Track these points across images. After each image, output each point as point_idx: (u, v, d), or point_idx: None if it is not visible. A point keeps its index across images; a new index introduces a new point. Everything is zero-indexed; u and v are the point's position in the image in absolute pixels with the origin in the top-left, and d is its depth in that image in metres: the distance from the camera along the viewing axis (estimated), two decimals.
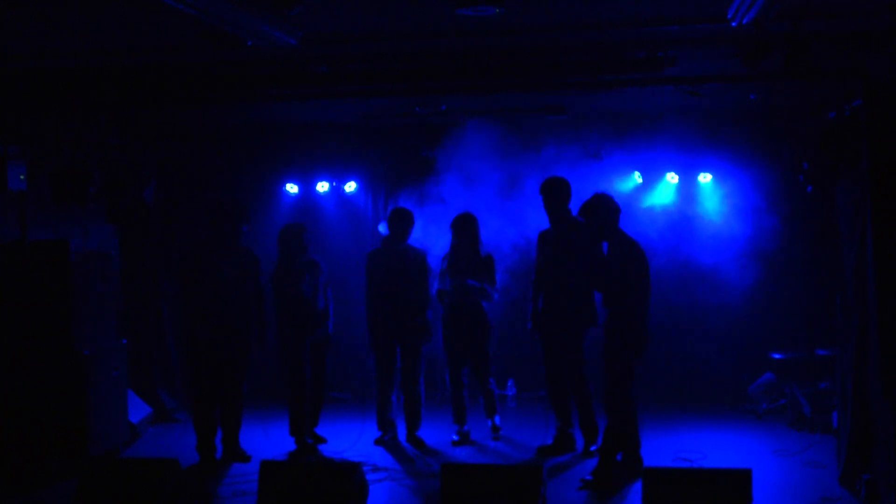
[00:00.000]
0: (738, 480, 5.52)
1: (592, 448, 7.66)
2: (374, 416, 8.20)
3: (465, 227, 7.87)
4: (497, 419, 8.16)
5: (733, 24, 5.26)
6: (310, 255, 8.00)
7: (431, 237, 8.93)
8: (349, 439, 8.19)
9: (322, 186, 10.21)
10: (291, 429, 7.95)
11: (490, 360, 8.07)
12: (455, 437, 8.05)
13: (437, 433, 8.28)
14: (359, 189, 10.19)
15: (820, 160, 7.27)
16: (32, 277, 7.48)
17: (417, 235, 8.77)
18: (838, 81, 6.58)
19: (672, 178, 9.42)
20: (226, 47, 5.64)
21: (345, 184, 10.17)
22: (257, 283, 7.83)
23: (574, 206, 7.71)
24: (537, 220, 8.07)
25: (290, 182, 10.21)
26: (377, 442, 8.07)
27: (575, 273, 7.53)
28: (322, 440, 8.16)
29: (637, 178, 9.41)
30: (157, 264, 9.58)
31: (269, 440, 8.11)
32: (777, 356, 9.03)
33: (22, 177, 7.38)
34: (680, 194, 9.43)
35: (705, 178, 9.37)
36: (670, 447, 7.71)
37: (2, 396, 7.37)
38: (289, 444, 7.99)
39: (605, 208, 7.00)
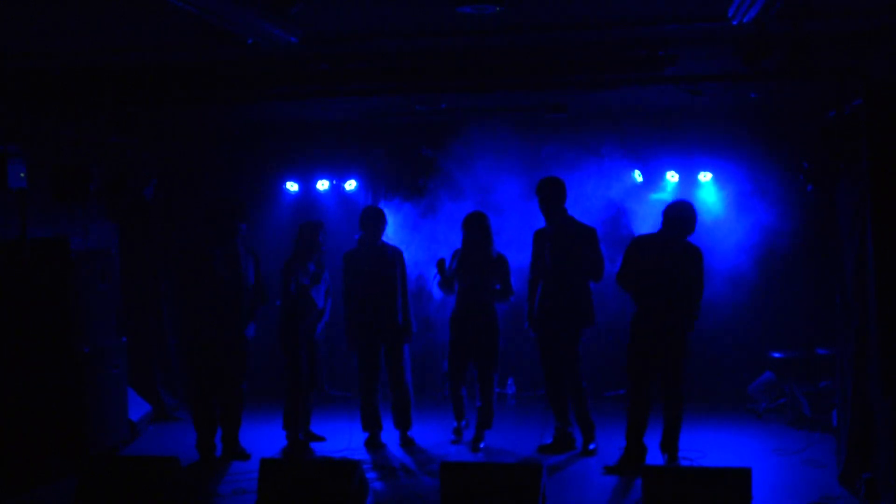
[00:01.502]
0: (738, 479, 5.53)
1: (591, 446, 7.67)
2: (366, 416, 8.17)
3: (477, 225, 7.76)
4: (486, 434, 7.92)
5: (734, 23, 5.26)
6: (323, 253, 8.03)
7: (431, 235, 8.94)
8: (349, 438, 8.20)
9: (322, 185, 10.21)
10: (284, 423, 7.98)
11: (498, 365, 7.93)
12: (452, 437, 8.01)
13: (435, 433, 8.28)
14: (359, 187, 10.18)
15: (820, 159, 7.27)
16: (32, 275, 7.48)
17: (420, 234, 8.80)
18: (838, 81, 6.58)
19: (672, 176, 9.42)
20: (226, 46, 5.65)
21: (345, 182, 10.17)
22: (258, 278, 7.84)
23: (570, 204, 7.71)
24: (535, 218, 8.08)
25: (290, 180, 10.22)
26: (367, 444, 8.04)
27: (572, 272, 7.54)
28: (320, 438, 8.17)
29: (637, 176, 9.42)
30: (157, 263, 9.59)
31: (266, 438, 8.11)
32: (777, 355, 9.03)
33: (22, 175, 7.37)
34: (680, 193, 9.42)
35: (705, 177, 9.37)
36: None
37: (1, 394, 7.36)
38: (283, 441, 8.03)
39: (679, 215, 7.21)
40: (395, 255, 8.07)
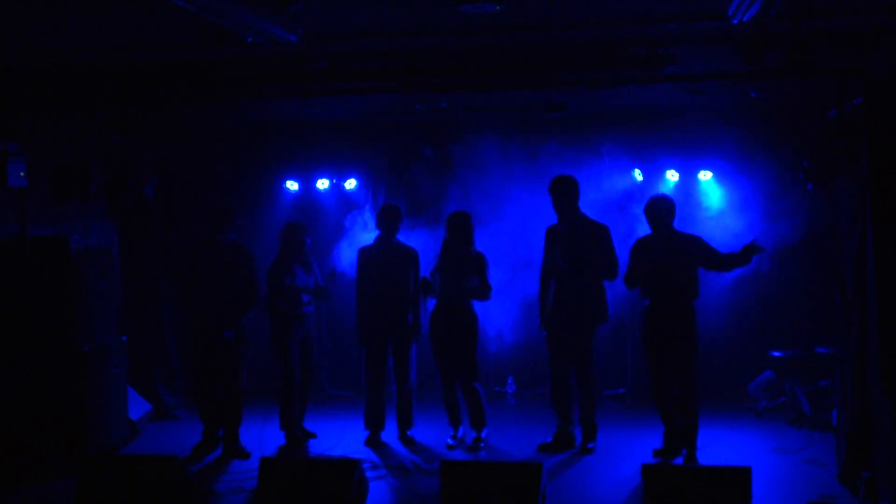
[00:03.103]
0: (738, 478, 5.53)
1: (590, 445, 7.67)
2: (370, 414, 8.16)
3: (459, 225, 7.78)
4: (484, 432, 7.92)
5: (734, 21, 5.26)
6: (306, 254, 8.05)
7: (431, 234, 8.93)
8: (349, 436, 8.20)
9: (322, 184, 10.20)
10: (281, 423, 8.01)
11: (476, 362, 7.87)
12: (450, 441, 7.92)
13: (435, 432, 8.28)
14: (359, 186, 10.17)
15: (820, 158, 7.27)
16: (32, 274, 7.48)
17: (421, 233, 8.79)
18: (839, 79, 6.58)
19: (672, 175, 9.41)
20: (226, 44, 5.65)
21: (345, 181, 10.16)
22: (249, 276, 7.80)
23: (580, 203, 7.70)
24: (535, 216, 8.07)
25: (290, 179, 10.21)
26: (367, 442, 8.04)
27: (585, 270, 7.52)
28: (312, 435, 8.18)
29: (637, 175, 9.41)
30: (157, 262, 9.59)
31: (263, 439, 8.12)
32: (777, 354, 9.03)
33: (22, 174, 7.37)
34: (680, 192, 9.42)
35: (705, 176, 9.36)
36: None
37: (2, 393, 7.37)
38: (282, 439, 8.05)
39: (650, 210, 7.39)
40: (409, 254, 8.07)
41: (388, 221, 7.99)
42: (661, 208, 7.38)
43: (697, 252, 7.35)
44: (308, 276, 8.05)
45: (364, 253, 8.11)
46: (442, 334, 7.82)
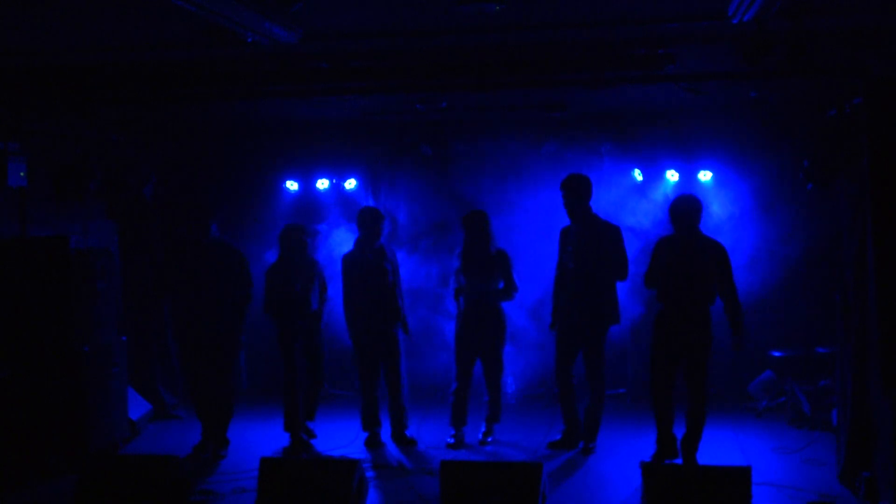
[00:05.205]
0: (738, 478, 5.53)
1: (591, 445, 7.69)
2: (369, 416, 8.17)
3: (476, 224, 7.79)
4: (495, 427, 8.04)
5: (734, 21, 5.26)
6: (309, 256, 8.03)
7: (430, 234, 8.94)
8: (349, 436, 8.20)
9: (322, 183, 10.20)
10: (286, 424, 8.00)
11: (503, 361, 7.98)
12: (450, 440, 7.92)
13: (433, 433, 8.28)
14: (359, 186, 10.17)
15: (820, 158, 7.26)
16: (32, 274, 7.47)
17: (421, 232, 8.79)
18: (839, 79, 6.58)
19: (672, 175, 9.41)
20: (226, 44, 5.64)
21: (345, 181, 10.15)
22: (241, 277, 7.79)
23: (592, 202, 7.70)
24: (534, 215, 8.06)
25: (290, 179, 10.20)
26: (367, 442, 8.05)
27: (597, 270, 7.51)
28: (312, 435, 8.18)
29: (637, 175, 9.41)
30: (156, 261, 9.58)
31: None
32: (776, 354, 9.03)
33: (22, 173, 7.38)
34: (679, 192, 9.41)
35: (705, 176, 9.36)
36: None
37: (2, 392, 7.37)
38: (284, 440, 8.04)
39: (673, 210, 7.20)
40: (394, 258, 8.05)
41: (368, 224, 7.94)
42: (683, 209, 7.15)
43: (715, 263, 7.12)
44: (312, 277, 8.03)
45: (347, 260, 8.05)
46: (471, 334, 7.85)
